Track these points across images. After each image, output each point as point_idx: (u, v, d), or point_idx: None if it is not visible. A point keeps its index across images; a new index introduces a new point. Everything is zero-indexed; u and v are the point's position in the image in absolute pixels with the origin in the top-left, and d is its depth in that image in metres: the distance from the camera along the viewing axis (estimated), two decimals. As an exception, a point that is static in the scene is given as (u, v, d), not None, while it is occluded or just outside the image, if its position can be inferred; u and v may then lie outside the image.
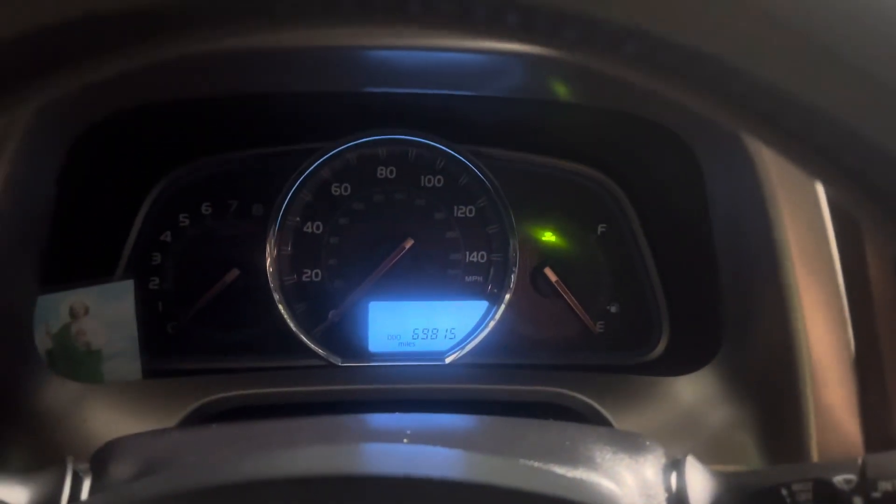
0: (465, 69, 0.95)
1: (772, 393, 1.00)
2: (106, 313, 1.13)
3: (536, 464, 0.66)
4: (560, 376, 1.17)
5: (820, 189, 0.98)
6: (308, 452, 0.57)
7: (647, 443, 0.83)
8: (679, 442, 1.03)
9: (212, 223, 1.31)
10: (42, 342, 1.07)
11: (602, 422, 1.08)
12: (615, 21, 0.32)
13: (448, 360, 1.35)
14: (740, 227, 1.05)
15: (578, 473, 0.67)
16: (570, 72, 0.87)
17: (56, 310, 1.09)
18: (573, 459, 0.69)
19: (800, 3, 0.31)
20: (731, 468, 0.96)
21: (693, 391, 1.11)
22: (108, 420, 0.98)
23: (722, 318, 1.15)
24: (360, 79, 0.96)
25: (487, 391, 1.18)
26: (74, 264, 1.14)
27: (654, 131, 1.07)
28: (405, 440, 0.72)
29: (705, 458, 0.89)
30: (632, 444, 0.82)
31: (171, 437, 0.81)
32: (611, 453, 0.73)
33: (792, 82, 0.32)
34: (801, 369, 0.96)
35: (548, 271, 1.36)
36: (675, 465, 0.73)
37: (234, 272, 1.30)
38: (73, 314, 1.11)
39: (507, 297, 1.35)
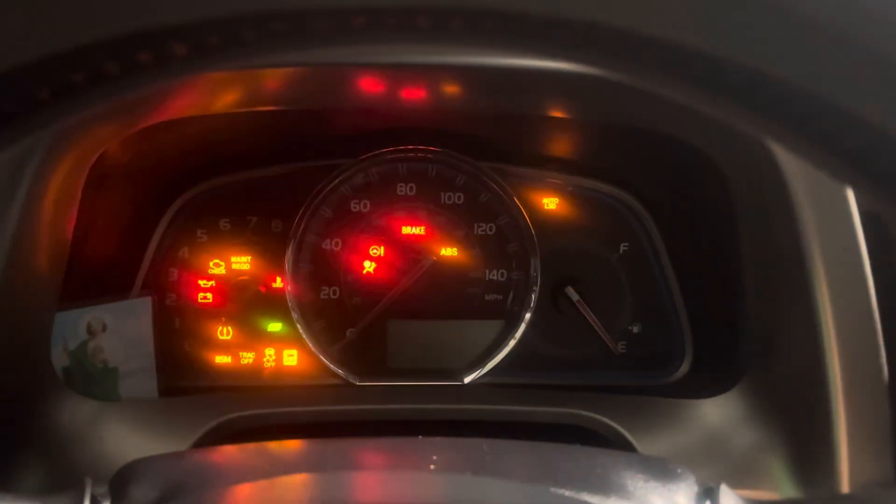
0: (492, 86, 0.94)
1: (800, 416, 0.98)
2: (123, 330, 1.14)
3: (568, 492, 0.64)
4: (581, 397, 1.16)
5: (852, 206, 0.95)
6: (339, 479, 0.55)
7: (679, 470, 0.81)
8: (704, 466, 1.01)
9: (230, 239, 1.31)
10: (59, 359, 1.07)
11: (625, 445, 1.07)
12: (658, 37, 0.31)
13: (467, 380, 1.33)
14: (768, 246, 1.03)
15: (610, 502, 0.65)
16: (598, 89, 0.86)
17: (74, 327, 1.09)
18: (604, 487, 0.68)
19: (836, 8, 0.30)
20: (764, 495, 0.95)
21: (719, 414, 1.09)
22: (125, 439, 0.98)
23: (747, 338, 1.13)
24: (384, 96, 0.95)
25: (507, 412, 1.16)
26: (92, 280, 1.14)
27: (680, 149, 1.05)
28: (431, 466, 0.71)
29: (732, 483, 0.86)
30: (663, 470, 0.80)
31: (192, 459, 0.80)
32: (642, 481, 0.71)
33: (823, 85, 0.31)
34: (831, 391, 0.93)
35: (569, 290, 1.34)
36: (708, 493, 0.71)
37: (256, 293, 1.29)
38: (91, 331, 1.11)
39: (528, 315, 1.34)
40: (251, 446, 0.83)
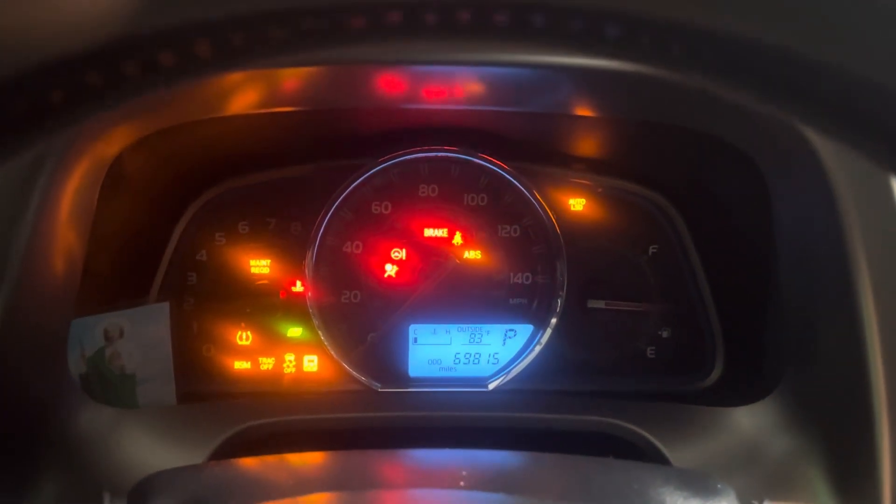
0: (528, 84, 0.91)
1: (841, 423, 0.96)
2: (141, 336, 1.13)
3: (607, 510, 0.62)
4: (610, 405, 1.14)
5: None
6: (365, 499, 0.54)
7: (719, 485, 0.79)
8: (739, 476, 0.98)
9: (248, 242, 1.30)
10: (76, 366, 1.07)
11: (655, 454, 1.05)
12: (707, 28, 0.29)
13: (491, 387, 1.32)
14: (809, 248, 1.00)
15: (649, 521, 0.63)
16: (637, 87, 0.84)
17: (91, 333, 1.08)
18: (644, 504, 0.66)
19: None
20: (808, 512, 0.92)
21: (754, 422, 1.06)
22: (143, 447, 0.97)
23: (783, 343, 1.11)
24: (409, 95, 0.93)
25: (533, 420, 1.15)
26: (109, 285, 1.14)
27: (713, 146, 1.03)
28: (461, 483, 0.69)
29: (768, 494, 0.88)
30: (703, 486, 0.78)
31: (212, 473, 0.79)
32: (682, 498, 0.69)
33: (870, 65, 0.30)
34: (874, 397, 0.91)
35: (596, 294, 1.33)
36: (750, 510, 0.68)
37: (275, 297, 1.28)
38: (108, 337, 1.10)
39: (554, 320, 1.32)
40: (274, 459, 0.83)
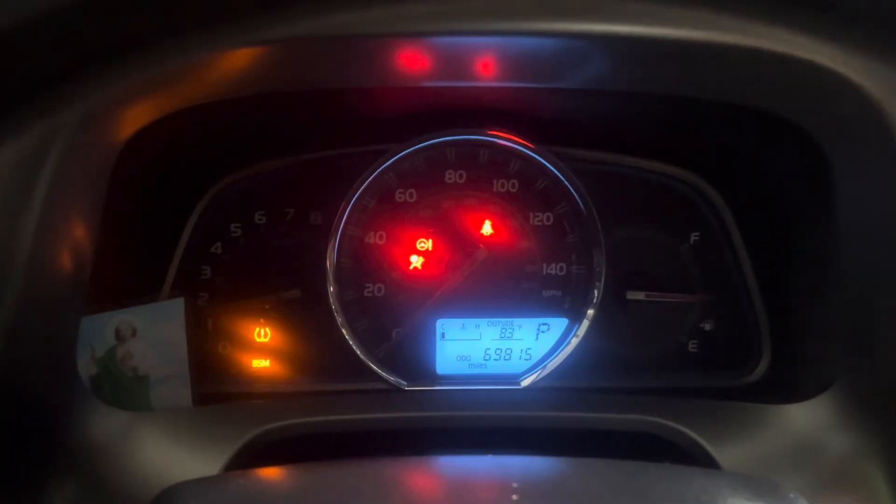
0: (550, 56, 0.86)
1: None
2: (154, 335, 1.11)
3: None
4: (651, 402, 1.10)
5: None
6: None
7: (792, 494, 0.74)
8: (793, 477, 0.94)
9: (266, 233, 1.27)
10: (86, 367, 1.05)
11: (702, 455, 1.00)
12: None
13: (524, 384, 1.30)
14: (875, 233, 0.94)
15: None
16: (680, 55, 0.77)
17: (101, 332, 1.06)
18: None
19: None
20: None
21: (808, 420, 1.02)
22: (158, 452, 0.94)
23: (841, 337, 1.06)
24: (429, 71, 0.87)
25: (569, 419, 1.11)
26: (119, 281, 1.11)
27: (767, 123, 0.97)
28: (514, 497, 0.64)
29: (824, 494, 0.87)
30: (772, 494, 0.73)
31: (235, 484, 0.74)
32: (759, 511, 0.64)
33: None
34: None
35: (635, 285, 1.29)
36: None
37: (294, 292, 1.25)
38: (120, 336, 1.08)
39: (590, 313, 1.29)
40: (299, 470, 0.79)
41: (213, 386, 1.25)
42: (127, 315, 1.07)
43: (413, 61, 0.85)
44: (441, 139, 1.23)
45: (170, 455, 0.93)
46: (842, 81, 0.77)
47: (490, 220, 1.28)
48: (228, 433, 0.96)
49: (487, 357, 1.30)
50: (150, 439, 0.94)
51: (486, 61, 0.87)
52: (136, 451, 0.93)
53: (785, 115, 0.90)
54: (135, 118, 0.83)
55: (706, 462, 0.98)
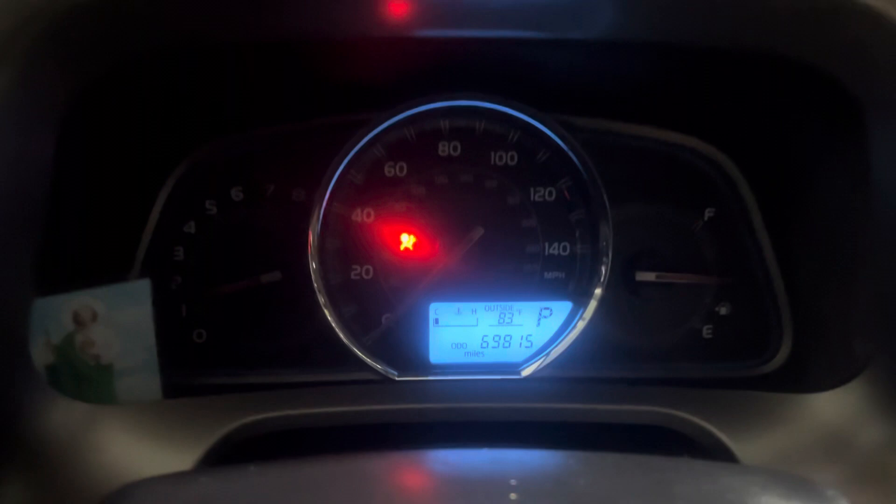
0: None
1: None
2: (118, 320, 1.03)
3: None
4: (663, 393, 1.07)
5: None
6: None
7: (829, 492, 0.67)
8: (822, 471, 0.92)
9: (244, 211, 1.23)
10: (41, 355, 0.98)
11: (720, 449, 0.97)
12: None
13: (525, 373, 1.26)
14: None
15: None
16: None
17: (57, 316, 0.99)
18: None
19: None
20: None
21: (837, 409, 0.99)
22: (123, 448, 0.89)
23: (871, 320, 1.00)
24: (420, 15, 0.80)
25: (574, 411, 1.06)
26: (79, 261, 1.05)
27: (797, 80, 0.91)
28: (512, 496, 0.56)
29: (855, 487, 0.85)
30: (808, 492, 0.67)
31: (202, 483, 0.68)
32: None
33: None
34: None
35: (644, 265, 1.24)
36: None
37: (275, 274, 1.20)
38: (79, 321, 1.01)
39: (597, 293, 1.24)
40: (278, 466, 0.74)
41: (186, 377, 1.20)
42: (86, 297, 1.00)
43: (400, 3, 0.78)
44: (432, 105, 1.18)
45: (136, 452, 0.89)
46: (882, 20, 0.71)
47: (487, 195, 1.23)
48: (201, 428, 0.93)
49: (485, 344, 1.26)
50: (114, 434, 0.90)
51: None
52: (99, 447, 0.89)
53: (816, 62, 0.83)
54: (83, 64, 0.75)
55: (724, 456, 0.95)
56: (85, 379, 1.03)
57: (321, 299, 1.21)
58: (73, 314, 1.00)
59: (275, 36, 0.80)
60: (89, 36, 0.69)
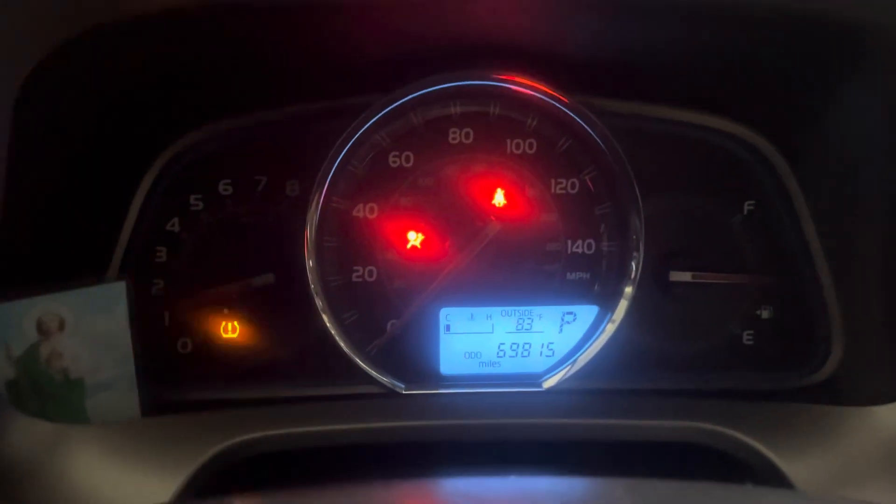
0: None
1: None
2: (89, 328, 1.00)
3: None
4: (701, 406, 1.03)
5: None
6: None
7: None
8: (885, 491, 0.90)
9: (233, 207, 1.19)
10: (0, 369, 0.95)
11: (769, 470, 0.95)
12: None
13: (546, 385, 1.22)
14: None
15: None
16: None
17: (18, 324, 0.96)
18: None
19: None
20: None
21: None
22: (96, 473, 0.87)
23: None
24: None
25: (603, 428, 1.03)
26: (45, 261, 1.01)
27: (851, 50, 0.87)
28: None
29: None
30: None
31: None
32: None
33: None
34: None
35: (678, 264, 1.20)
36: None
37: (268, 276, 1.16)
38: (44, 330, 0.97)
39: (627, 292, 1.19)
40: (273, 496, 0.74)
41: (169, 392, 1.17)
42: (52, 303, 0.96)
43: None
44: (441, 86, 1.12)
45: (110, 477, 0.86)
46: None
47: (503, 188, 1.19)
48: (184, 450, 0.91)
49: (501, 353, 1.22)
50: (84, 458, 0.88)
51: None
52: (67, 473, 0.86)
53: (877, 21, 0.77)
54: (47, 31, 0.69)
55: (775, 478, 0.92)
56: (51, 396, 1.00)
57: (319, 304, 1.18)
58: (38, 322, 0.98)
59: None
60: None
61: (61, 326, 0.98)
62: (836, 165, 1.12)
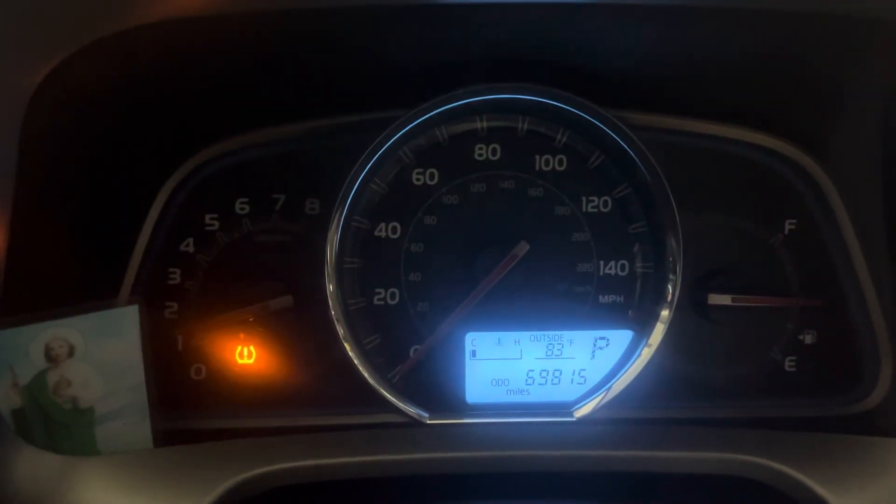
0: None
1: None
2: (100, 354, 0.99)
3: None
4: (744, 437, 1.00)
5: None
6: None
7: None
8: None
9: (250, 226, 1.18)
10: (5, 398, 0.93)
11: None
12: None
13: (578, 415, 1.19)
14: None
15: None
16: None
17: (25, 351, 0.94)
18: None
19: None
20: None
21: None
22: None
23: None
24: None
25: (638, 459, 1.00)
26: (53, 284, 1.00)
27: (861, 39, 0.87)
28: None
29: None
30: None
31: None
32: None
33: None
34: None
35: (717, 286, 1.17)
36: None
37: (286, 299, 1.14)
38: (52, 356, 0.95)
39: (664, 316, 1.17)
40: None
41: (183, 422, 1.16)
42: (60, 328, 0.95)
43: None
44: (467, 100, 1.10)
45: None
46: None
47: (532, 206, 1.18)
48: (199, 482, 0.88)
49: (530, 381, 1.20)
50: (94, 492, 0.85)
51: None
52: None
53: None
54: (57, 40, 0.68)
55: None
56: (59, 425, 0.98)
57: (340, 329, 1.16)
58: (46, 348, 0.96)
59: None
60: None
61: (70, 353, 0.97)
62: (881, 182, 1.10)
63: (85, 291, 1.05)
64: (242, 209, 1.16)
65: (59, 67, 0.71)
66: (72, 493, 0.84)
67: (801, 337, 1.21)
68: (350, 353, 1.15)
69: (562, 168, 1.16)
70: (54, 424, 0.97)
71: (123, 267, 1.13)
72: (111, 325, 0.99)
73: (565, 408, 1.19)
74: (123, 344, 1.00)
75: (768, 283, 1.19)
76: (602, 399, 1.17)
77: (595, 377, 1.19)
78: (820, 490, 0.89)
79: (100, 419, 1.00)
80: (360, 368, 1.16)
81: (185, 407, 1.16)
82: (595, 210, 1.17)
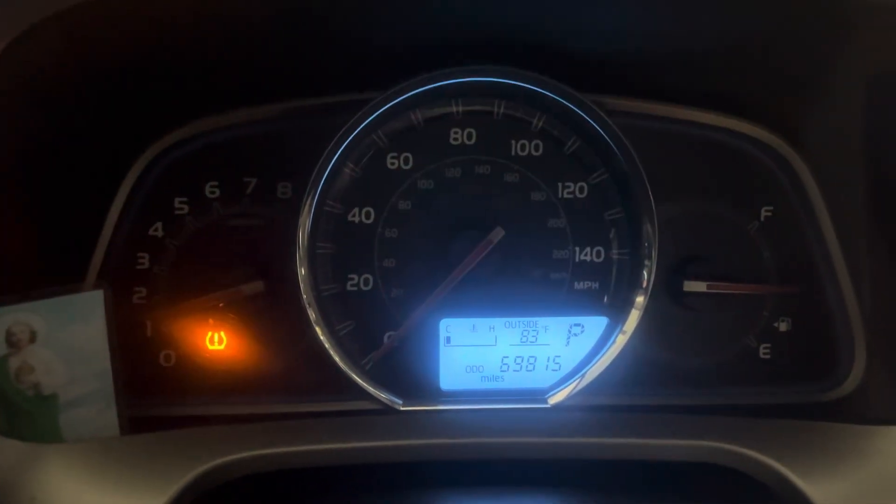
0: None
1: None
2: (63, 340, 0.97)
3: None
4: (717, 424, 1.01)
5: None
6: None
7: None
8: None
9: (220, 210, 1.17)
10: None
11: (790, 493, 0.91)
12: None
13: (552, 401, 1.20)
14: None
15: None
16: None
17: None
18: None
19: None
20: None
21: None
22: (69, 497, 0.84)
23: None
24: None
25: (612, 447, 1.01)
26: (15, 267, 0.99)
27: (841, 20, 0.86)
28: None
29: None
30: None
31: None
32: None
33: None
34: None
35: (693, 273, 1.18)
36: None
37: (257, 284, 1.13)
38: (13, 342, 0.94)
39: (639, 301, 1.17)
40: None
41: (152, 409, 1.15)
42: (22, 312, 0.94)
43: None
44: (442, 83, 1.10)
45: (86, 502, 0.83)
46: None
47: (508, 192, 1.18)
48: (167, 470, 0.87)
49: (505, 367, 1.20)
50: (58, 480, 0.85)
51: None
52: (39, 497, 0.82)
53: None
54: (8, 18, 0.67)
55: (795, 501, 0.89)
56: (22, 412, 0.97)
57: (311, 314, 1.16)
58: (7, 333, 0.95)
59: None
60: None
61: (32, 338, 0.95)
62: (857, 170, 1.10)
63: (50, 276, 1.03)
64: (213, 193, 1.15)
65: (6, 51, 0.69)
66: (35, 481, 0.84)
67: (776, 324, 1.22)
68: (322, 339, 1.15)
69: (538, 153, 1.16)
70: (17, 411, 0.96)
71: (90, 251, 1.11)
72: (75, 311, 0.97)
73: (540, 394, 1.20)
74: (88, 329, 0.98)
75: (744, 269, 1.20)
76: (576, 386, 1.17)
77: (570, 364, 1.20)
78: (793, 477, 0.90)
79: (64, 406, 0.99)
80: (333, 354, 1.16)
81: (153, 394, 1.15)
82: (571, 196, 1.17)
